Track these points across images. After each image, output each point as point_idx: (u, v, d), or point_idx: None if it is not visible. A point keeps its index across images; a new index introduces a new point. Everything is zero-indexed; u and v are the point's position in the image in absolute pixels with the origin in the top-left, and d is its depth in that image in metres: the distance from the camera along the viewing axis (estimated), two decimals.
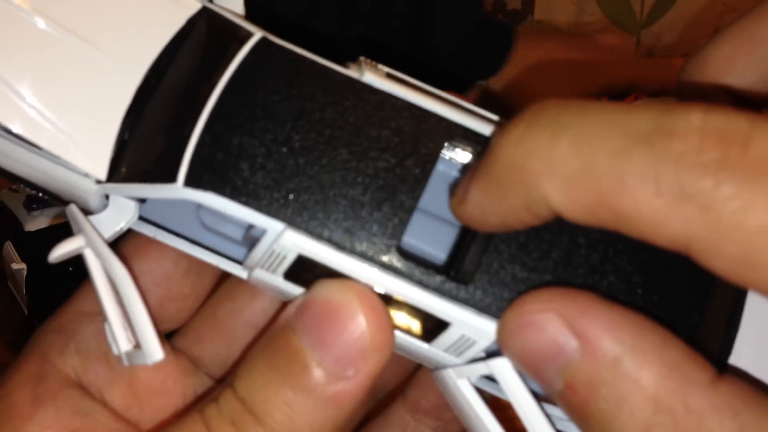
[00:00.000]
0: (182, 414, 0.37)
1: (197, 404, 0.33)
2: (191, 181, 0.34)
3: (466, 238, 0.35)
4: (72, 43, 0.35)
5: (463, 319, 0.33)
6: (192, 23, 0.37)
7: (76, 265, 0.36)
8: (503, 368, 0.32)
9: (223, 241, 0.37)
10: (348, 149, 0.35)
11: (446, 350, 0.34)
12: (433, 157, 0.35)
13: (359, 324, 0.31)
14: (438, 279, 0.33)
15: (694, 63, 0.35)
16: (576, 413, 0.28)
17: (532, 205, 0.28)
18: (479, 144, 0.36)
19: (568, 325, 0.28)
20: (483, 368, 0.33)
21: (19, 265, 0.77)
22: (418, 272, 0.33)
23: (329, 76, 0.36)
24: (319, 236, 0.33)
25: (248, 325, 0.43)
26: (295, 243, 0.33)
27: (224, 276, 0.43)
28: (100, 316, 0.38)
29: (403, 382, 0.45)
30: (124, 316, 0.34)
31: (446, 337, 0.33)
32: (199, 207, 0.38)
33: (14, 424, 0.35)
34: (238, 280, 0.42)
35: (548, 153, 0.27)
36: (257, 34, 0.36)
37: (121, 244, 0.40)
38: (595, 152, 0.26)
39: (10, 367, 0.38)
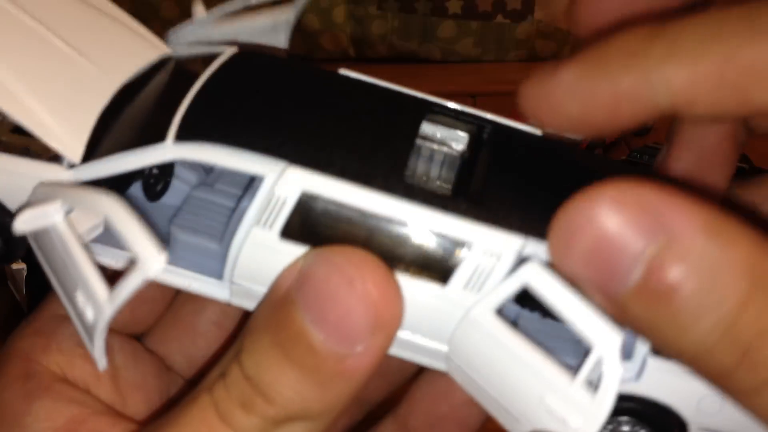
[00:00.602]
0: (159, 412, 0.38)
1: (189, 394, 0.32)
2: (182, 136, 0.33)
3: (467, 167, 0.35)
4: (64, 50, 0.37)
5: (480, 236, 0.32)
6: (167, 59, 0.39)
7: None
8: (536, 271, 0.31)
9: (199, 255, 0.36)
10: (337, 110, 0.35)
11: (466, 286, 0.32)
12: (419, 115, 0.35)
13: (365, 298, 0.29)
14: (449, 202, 0.32)
15: None
16: (659, 304, 0.26)
17: (646, 90, 0.26)
18: (456, 117, 0.36)
19: (643, 212, 0.25)
20: (513, 283, 0.31)
21: (19, 265, 0.77)
22: (428, 199, 0.32)
23: (312, 70, 0.37)
24: (323, 170, 0.32)
25: (210, 322, 0.43)
26: (299, 179, 0.32)
27: None
28: None
29: (393, 399, 0.44)
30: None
31: (465, 267, 0.32)
32: (173, 218, 0.38)
33: (11, 421, 0.35)
34: None
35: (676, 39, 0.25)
36: (233, 48, 0.38)
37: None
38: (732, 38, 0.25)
39: None
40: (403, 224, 0.32)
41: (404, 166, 0.34)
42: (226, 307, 0.42)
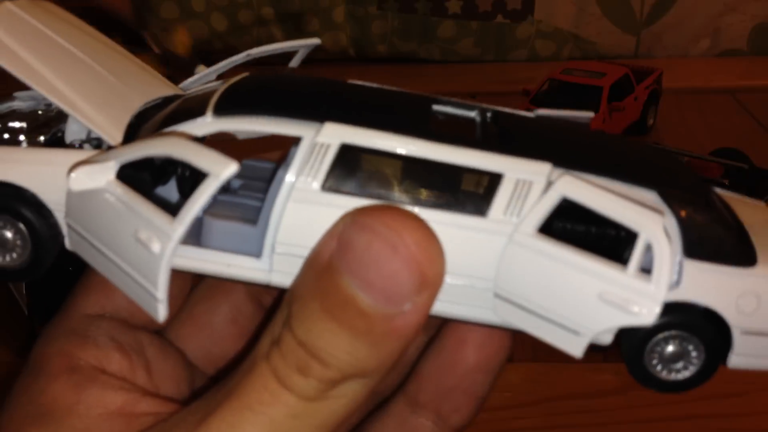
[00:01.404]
0: (189, 400, 0.38)
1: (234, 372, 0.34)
2: (221, 110, 0.35)
3: (488, 120, 0.37)
4: (99, 70, 0.40)
5: (512, 165, 0.34)
6: (181, 94, 0.42)
7: (76, 264, 0.37)
8: (571, 181, 0.33)
9: (234, 239, 0.37)
10: (356, 98, 0.37)
11: (505, 212, 0.33)
12: (428, 102, 0.38)
13: (408, 260, 0.31)
14: (478, 142, 0.35)
15: None
16: None
17: None
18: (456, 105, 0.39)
19: None
20: (552, 197, 0.33)
21: None
22: (460, 139, 0.34)
23: (325, 78, 0.39)
24: (359, 123, 0.33)
25: (226, 320, 0.44)
26: (338, 131, 0.33)
27: (197, 279, 0.45)
28: (105, 316, 0.40)
29: (403, 377, 0.45)
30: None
31: (502, 195, 0.34)
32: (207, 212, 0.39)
33: (64, 411, 0.36)
34: (212, 282, 0.44)
35: None
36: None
37: None
38: None
39: (26, 373, 0.38)
40: (439, 164, 0.34)
41: (428, 123, 0.36)
42: (239, 304, 0.44)
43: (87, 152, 0.37)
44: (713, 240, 0.35)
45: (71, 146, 0.39)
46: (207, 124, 0.35)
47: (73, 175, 0.34)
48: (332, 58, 1.38)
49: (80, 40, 0.41)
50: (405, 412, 0.43)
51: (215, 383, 0.35)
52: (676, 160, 0.41)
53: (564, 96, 1.02)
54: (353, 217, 0.32)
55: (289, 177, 0.34)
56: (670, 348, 0.36)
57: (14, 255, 0.37)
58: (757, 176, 0.90)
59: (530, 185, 0.34)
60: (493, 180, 0.34)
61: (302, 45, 0.46)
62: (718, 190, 0.41)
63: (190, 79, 0.44)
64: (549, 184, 0.34)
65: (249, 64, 0.45)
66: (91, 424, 0.36)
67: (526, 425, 0.68)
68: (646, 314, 0.33)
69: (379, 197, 0.34)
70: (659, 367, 0.36)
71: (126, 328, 0.40)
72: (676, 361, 0.36)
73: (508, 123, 0.38)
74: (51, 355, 0.38)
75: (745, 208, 0.40)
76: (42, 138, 0.40)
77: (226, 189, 0.41)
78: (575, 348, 0.34)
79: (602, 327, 0.33)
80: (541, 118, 0.41)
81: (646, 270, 0.33)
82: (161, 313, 0.33)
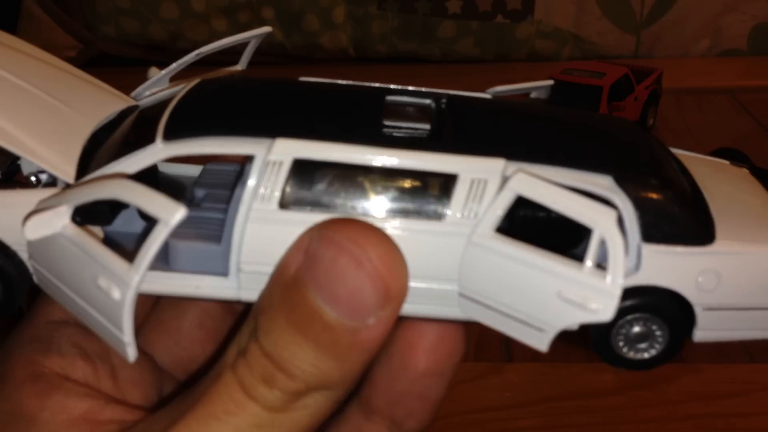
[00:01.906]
0: (154, 409, 0.38)
1: (217, 368, 0.34)
2: (171, 135, 0.35)
3: (436, 119, 0.37)
4: (42, 96, 0.39)
5: (465, 164, 0.34)
6: (134, 107, 0.42)
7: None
8: (525, 179, 0.33)
9: (200, 259, 0.37)
10: (306, 97, 0.38)
11: (462, 214, 0.34)
12: (380, 93, 0.38)
13: (372, 275, 0.31)
14: (429, 143, 0.35)
15: None
16: None
17: None
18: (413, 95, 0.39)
19: None
20: (506, 195, 0.33)
21: None
22: (410, 143, 0.34)
23: (275, 79, 0.40)
24: (309, 136, 0.34)
25: (193, 324, 0.45)
26: (289, 147, 0.34)
27: None
28: (69, 322, 0.40)
29: (357, 382, 0.45)
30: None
31: (458, 196, 0.34)
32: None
33: (28, 419, 0.36)
34: None
35: None
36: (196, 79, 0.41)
37: None
38: None
39: None
40: (391, 171, 0.34)
41: (380, 123, 0.36)
42: (207, 308, 0.44)
43: (43, 191, 0.37)
44: (670, 221, 0.35)
45: (28, 181, 0.39)
46: (158, 151, 0.35)
47: (27, 224, 0.34)
48: (332, 58, 1.38)
49: (19, 65, 0.40)
50: (359, 418, 0.43)
51: (183, 390, 0.35)
52: (634, 130, 0.41)
53: (564, 96, 1.02)
54: (319, 231, 0.32)
55: (246, 197, 0.34)
56: (636, 329, 0.36)
57: None
58: (757, 176, 0.90)
59: (485, 184, 0.34)
60: (448, 181, 0.34)
61: (252, 36, 0.45)
62: (679, 152, 0.42)
63: (142, 86, 0.44)
64: (504, 181, 0.34)
65: (202, 62, 0.44)
66: (55, 431, 0.36)
67: (526, 425, 0.68)
68: (604, 310, 0.33)
69: (337, 209, 0.34)
70: (626, 348, 0.37)
71: (90, 334, 0.40)
72: (642, 341, 0.36)
73: (463, 111, 0.38)
74: (14, 363, 0.38)
75: (706, 170, 0.40)
76: None
77: (190, 200, 0.42)
78: (540, 343, 0.35)
79: (563, 324, 0.34)
80: (497, 101, 0.41)
81: (603, 266, 0.33)
82: (131, 355, 0.34)
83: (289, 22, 1.36)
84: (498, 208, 0.34)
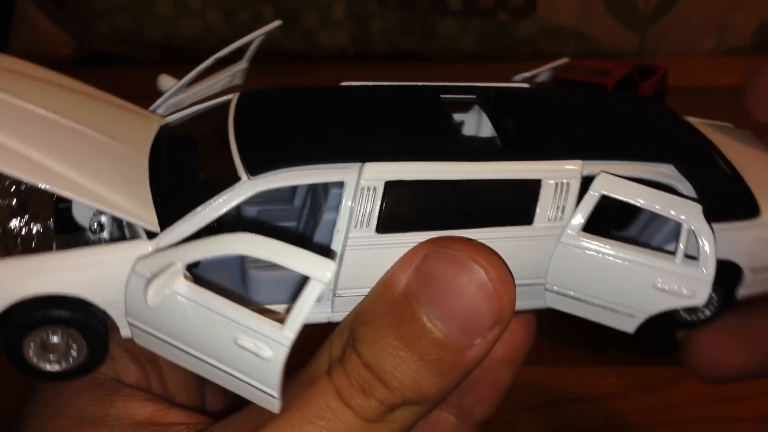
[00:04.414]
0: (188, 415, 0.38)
1: (309, 371, 0.35)
2: (256, 170, 0.35)
3: (498, 121, 0.39)
4: (95, 136, 0.39)
5: (547, 170, 0.36)
6: (166, 126, 0.43)
7: None
8: (608, 179, 0.36)
9: (283, 286, 0.38)
10: (363, 110, 0.38)
11: (549, 218, 0.36)
12: (433, 94, 0.40)
13: (491, 297, 0.32)
14: (508, 152, 0.37)
15: None
16: None
17: None
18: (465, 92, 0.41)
19: None
20: (591, 197, 0.36)
21: None
22: (492, 154, 0.36)
23: (318, 88, 0.40)
24: (396, 158, 0.35)
25: None
26: (379, 171, 0.35)
27: None
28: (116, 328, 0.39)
29: None
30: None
31: (544, 201, 0.36)
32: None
33: (92, 425, 0.36)
34: None
35: None
36: (235, 93, 0.41)
37: None
38: None
39: (42, 387, 0.38)
40: (481, 183, 0.36)
41: (455, 134, 0.38)
42: None
43: (123, 245, 0.36)
44: (724, 201, 0.39)
45: (92, 229, 0.38)
46: (247, 189, 0.35)
47: (150, 293, 0.33)
48: (331, 57, 1.38)
49: (57, 100, 0.39)
50: None
51: (227, 396, 0.35)
52: (675, 115, 0.44)
53: None
54: (437, 248, 0.33)
55: (341, 225, 0.35)
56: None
57: (72, 358, 0.37)
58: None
59: (568, 186, 0.36)
60: (533, 187, 0.36)
61: (263, 32, 0.45)
62: (690, 120, 0.45)
63: (161, 99, 0.44)
64: (584, 181, 0.37)
65: (219, 63, 0.45)
66: None
67: (529, 429, 0.68)
68: (699, 296, 0.37)
69: (432, 225, 0.35)
70: (683, 313, 0.40)
71: None
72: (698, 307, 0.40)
73: (517, 109, 0.40)
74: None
75: (721, 138, 0.44)
76: (51, 221, 0.39)
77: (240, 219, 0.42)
78: (629, 326, 0.38)
79: (656, 310, 0.37)
80: (537, 93, 0.44)
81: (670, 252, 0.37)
82: (278, 407, 0.34)
83: (287, 20, 1.36)
84: (585, 209, 0.36)
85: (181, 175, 0.38)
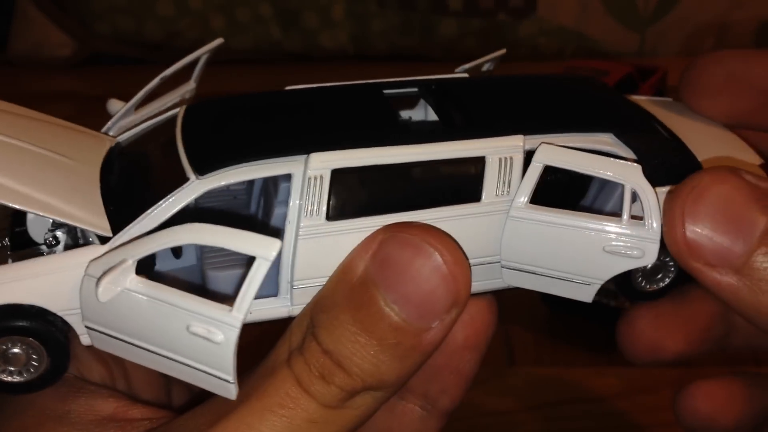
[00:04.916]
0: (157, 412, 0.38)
1: (267, 362, 0.34)
2: (203, 170, 0.35)
3: (439, 106, 0.40)
4: (45, 154, 0.39)
5: (490, 146, 0.36)
6: (117, 143, 0.43)
7: None
8: (550, 149, 0.36)
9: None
10: (310, 108, 0.39)
11: (497, 192, 0.36)
12: (376, 89, 0.40)
13: (448, 280, 0.33)
14: (450, 132, 0.37)
15: None
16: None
17: None
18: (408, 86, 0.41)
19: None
20: (535, 168, 0.36)
21: None
22: (435, 136, 0.37)
23: (264, 93, 0.41)
24: (341, 146, 0.35)
25: None
26: (325, 160, 0.35)
27: None
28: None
29: None
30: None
31: (490, 174, 0.36)
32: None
33: (56, 421, 0.36)
34: None
35: None
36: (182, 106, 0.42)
37: None
38: None
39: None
40: (427, 164, 0.36)
41: (398, 122, 0.39)
42: None
43: (81, 252, 0.36)
44: (667, 165, 0.39)
45: (47, 242, 0.38)
46: (195, 187, 0.35)
47: (100, 289, 0.34)
48: (331, 57, 1.37)
49: (4, 121, 0.40)
50: (393, 398, 0.44)
51: (194, 392, 0.35)
52: (610, 89, 0.45)
53: None
54: (393, 233, 0.34)
55: (292, 216, 0.35)
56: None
57: (32, 368, 0.36)
58: None
59: (512, 160, 0.37)
60: (478, 165, 0.37)
61: (207, 50, 0.45)
62: (634, 97, 0.46)
63: (111, 121, 0.44)
64: (527, 155, 0.37)
65: (166, 84, 0.44)
66: (84, 431, 0.36)
67: (529, 429, 0.68)
68: (648, 255, 0.37)
69: (382, 209, 0.35)
70: (644, 282, 0.40)
71: None
72: (657, 273, 0.40)
73: (457, 95, 0.40)
74: None
75: (662, 111, 0.44)
76: (6, 240, 0.39)
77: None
78: (587, 296, 0.38)
79: (610, 275, 0.37)
80: (477, 79, 0.45)
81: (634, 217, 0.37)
82: (234, 392, 0.34)
83: (287, 20, 1.36)
84: (530, 180, 0.37)
85: (132, 184, 0.39)
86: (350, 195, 0.35)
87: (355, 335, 0.33)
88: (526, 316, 0.76)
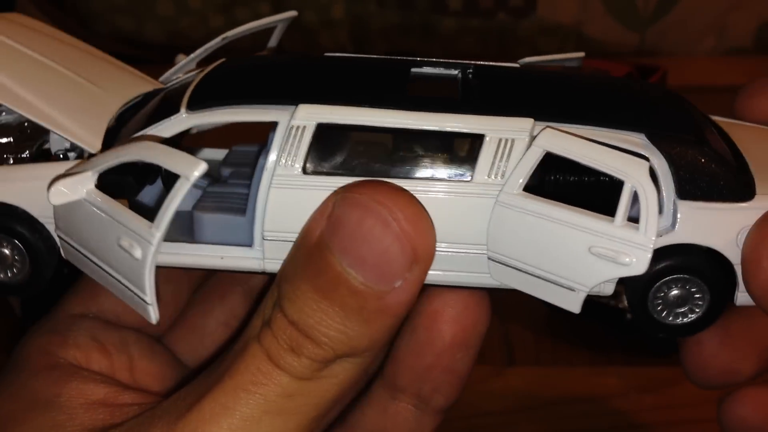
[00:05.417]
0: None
1: (243, 337, 0.34)
2: (194, 105, 0.36)
3: (465, 86, 0.37)
4: (74, 78, 0.41)
5: (493, 124, 0.33)
6: (161, 89, 0.43)
7: (71, 267, 0.37)
8: (552, 134, 0.33)
9: (225, 231, 0.38)
10: (331, 68, 0.38)
11: (489, 174, 0.33)
12: (406, 64, 0.38)
13: (400, 236, 0.31)
14: (457, 105, 0.35)
15: None
16: None
17: None
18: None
19: None
20: (533, 153, 0.33)
21: None
22: (436, 105, 0.34)
23: (300, 53, 0.40)
24: (334, 100, 0.34)
25: (219, 323, 0.45)
26: (312, 112, 0.34)
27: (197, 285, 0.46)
28: (89, 316, 0.40)
29: (380, 361, 0.45)
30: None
31: (485, 154, 0.33)
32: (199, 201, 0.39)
33: (44, 404, 0.36)
34: (209, 287, 0.44)
35: None
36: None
37: None
38: None
39: (7, 369, 0.39)
40: (417, 134, 0.34)
41: (405, 90, 0.36)
42: (233, 308, 0.44)
43: (70, 163, 0.37)
44: (706, 177, 0.34)
45: (56, 157, 0.39)
46: (182, 120, 0.36)
47: (52, 189, 0.34)
48: None
49: (55, 50, 0.42)
50: (385, 398, 0.43)
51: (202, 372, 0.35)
52: (673, 94, 0.40)
53: None
54: (343, 194, 0.32)
55: (269, 163, 0.34)
56: (675, 292, 0.35)
57: (15, 270, 0.38)
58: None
59: (512, 143, 0.33)
60: (475, 143, 0.34)
61: (278, 20, 0.46)
62: (719, 119, 0.41)
63: (169, 71, 0.45)
64: (533, 140, 0.33)
65: (228, 48, 0.45)
66: (73, 414, 0.36)
67: (529, 429, 0.68)
68: (637, 264, 0.32)
69: (361, 173, 0.34)
70: (665, 313, 0.35)
71: (110, 327, 0.40)
72: (682, 305, 0.35)
73: (491, 78, 0.38)
74: (31, 354, 0.39)
75: (746, 135, 0.39)
76: (27, 153, 0.41)
77: (216, 179, 0.42)
78: (573, 304, 0.34)
79: (595, 281, 0.33)
80: (525, 68, 0.41)
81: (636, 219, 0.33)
82: (152, 315, 0.34)
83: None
84: (525, 165, 0.33)
85: (142, 117, 0.39)
86: (332, 152, 0.34)
87: (318, 303, 0.32)
88: (526, 316, 0.76)
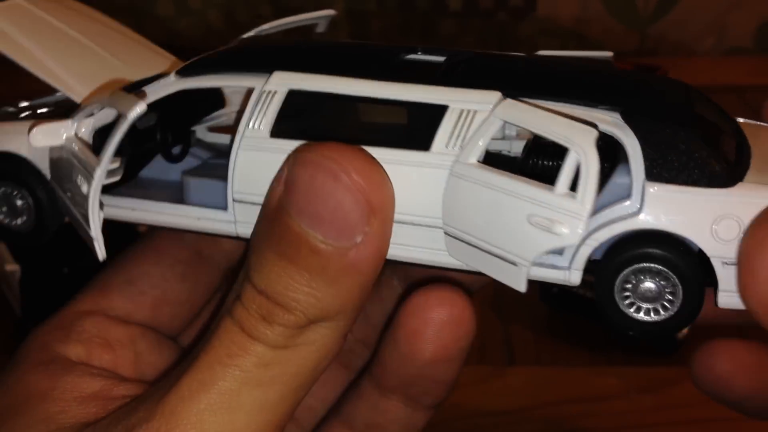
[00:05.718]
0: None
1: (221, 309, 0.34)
2: (183, 72, 0.38)
3: (454, 64, 0.36)
4: (95, 49, 0.44)
5: (455, 96, 0.33)
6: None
7: (71, 267, 0.38)
8: (509, 104, 0.32)
9: (208, 195, 0.39)
10: (318, 48, 0.39)
11: (447, 145, 0.32)
12: (397, 49, 0.38)
13: (351, 188, 0.30)
14: (431, 78, 0.34)
15: None
16: None
17: None
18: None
19: None
20: (490, 123, 0.32)
21: (12, 267, 0.76)
22: (407, 77, 0.34)
23: (301, 38, 0.42)
24: (310, 70, 0.35)
25: (175, 280, 0.45)
26: (285, 78, 0.35)
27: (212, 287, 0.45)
28: (97, 313, 0.40)
29: (369, 356, 0.45)
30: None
31: (445, 124, 0.33)
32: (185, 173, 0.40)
33: (38, 397, 0.36)
34: (224, 294, 0.43)
35: None
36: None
37: (119, 251, 0.43)
38: None
39: (10, 362, 0.39)
40: (384, 103, 0.34)
41: (389, 67, 0.36)
42: (177, 256, 0.44)
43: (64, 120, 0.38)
44: (681, 159, 0.31)
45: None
46: (169, 84, 0.38)
47: (33, 131, 0.36)
48: None
49: (87, 28, 0.45)
50: (375, 395, 0.43)
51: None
52: (674, 82, 0.37)
53: None
54: (295, 155, 0.32)
55: (240, 127, 0.35)
56: (646, 285, 0.32)
57: (24, 218, 0.40)
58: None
59: (474, 114, 0.32)
60: (438, 113, 0.33)
61: (316, 17, 0.46)
62: (748, 122, 0.38)
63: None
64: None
65: None
66: (66, 407, 0.35)
67: (529, 429, 0.67)
68: (569, 233, 0.30)
69: (327, 139, 0.33)
70: (633, 308, 0.33)
71: (118, 323, 0.41)
72: (654, 300, 0.32)
73: (480, 61, 0.37)
74: (30, 349, 0.39)
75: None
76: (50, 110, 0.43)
77: (222, 153, 0.43)
78: (517, 281, 0.32)
79: (533, 253, 0.31)
80: (527, 56, 0.40)
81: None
82: (98, 249, 0.35)
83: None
84: (481, 136, 0.32)
85: (138, 81, 0.40)
86: (301, 118, 0.35)
87: (284, 269, 0.31)
88: (526, 316, 0.76)
